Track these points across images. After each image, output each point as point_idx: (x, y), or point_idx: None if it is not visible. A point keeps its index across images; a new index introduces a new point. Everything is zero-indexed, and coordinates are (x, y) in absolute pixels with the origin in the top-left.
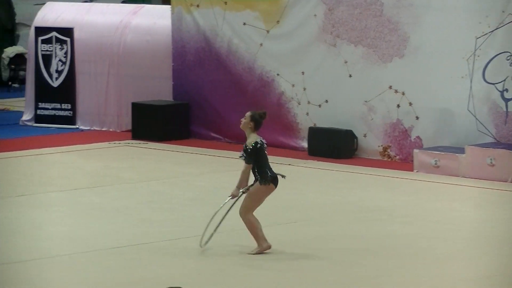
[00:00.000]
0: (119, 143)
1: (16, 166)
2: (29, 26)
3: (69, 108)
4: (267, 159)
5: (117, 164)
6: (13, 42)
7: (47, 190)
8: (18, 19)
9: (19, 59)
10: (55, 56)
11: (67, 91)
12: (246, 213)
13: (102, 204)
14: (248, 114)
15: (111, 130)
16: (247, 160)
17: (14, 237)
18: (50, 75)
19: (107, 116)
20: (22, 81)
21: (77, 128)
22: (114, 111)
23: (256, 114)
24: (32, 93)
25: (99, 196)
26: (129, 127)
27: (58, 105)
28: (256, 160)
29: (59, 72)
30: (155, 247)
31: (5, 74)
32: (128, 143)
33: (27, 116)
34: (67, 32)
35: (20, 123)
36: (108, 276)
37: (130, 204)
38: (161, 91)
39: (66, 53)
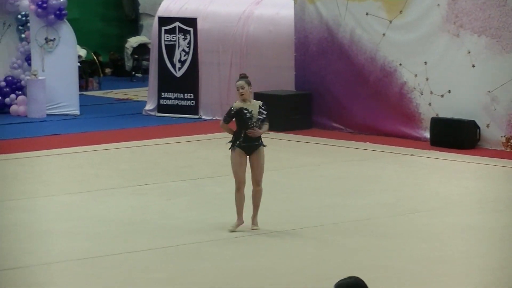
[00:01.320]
0: None
1: (140, 156)
2: (153, 16)
3: (191, 98)
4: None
5: None
6: (136, 32)
7: (171, 179)
8: (141, 9)
9: (142, 49)
10: (178, 46)
11: (190, 81)
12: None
13: (223, 194)
14: (242, 83)
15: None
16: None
17: (142, 226)
18: (173, 65)
19: (229, 106)
20: (145, 71)
21: (200, 118)
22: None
23: (247, 78)
24: (155, 83)
25: (221, 185)
26: None
27: (181, 95)
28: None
29: (182, 62)
30: (275, 235)
31: (129, 64)
32: None
33: (150, 106)
34: (191, 22)
35: (143, 112)
36: (234, 263)
37: (250, 194)
38: (283, 81)
39: (189, 43)
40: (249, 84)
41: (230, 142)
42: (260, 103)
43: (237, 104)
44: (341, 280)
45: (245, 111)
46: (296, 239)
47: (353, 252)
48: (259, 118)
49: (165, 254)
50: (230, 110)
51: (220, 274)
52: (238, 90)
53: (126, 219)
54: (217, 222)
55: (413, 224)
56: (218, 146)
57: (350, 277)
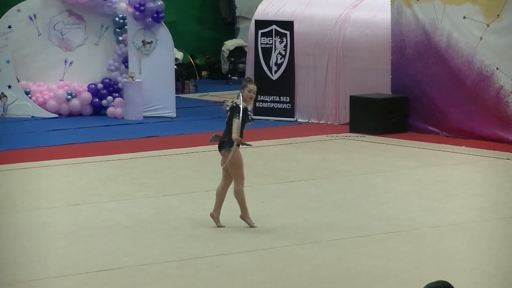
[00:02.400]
0: (337, 136)
1: None
2: (249, 19)
3: (287, 100)
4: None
5: (334, 157)
6: (233, 35)
7: (267, 182)
8: (238, 12)
9: (239, 52)
10: (275, 49)
11: (286, 84)
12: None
13: (319, 196)
14: (254, 88)
15: (329, 123)
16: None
17: (238, 228)
18: (270, 68)
19: (325, 109)
20: (241, 74)
21: (295, 121)
22: (332, 104)
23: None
24: None
25: (317, 188)
26: (347, 120)
27: (276, 98)
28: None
29: (278, 65)
30: (374, 239)
31: (225, 67)
32: (346, 136)
33: None
34: (287, 25)
35: None
36: (329, 266)
37: (347, 197)
38: (379, 84)
39: (285, 46)
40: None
41: (218, 139)
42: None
43: (244, 104)
44: (430, 283)
45: (249, 113)
46: (393, 243)
47: (451, 256)
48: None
49: (260, 256)
50: (238, 107)
51: (315, 277)
52: (250, 93)
53: (221, 221)
54: (312, 225)
55: (510, 229)
56: (314, 149)
57: (438, 282)
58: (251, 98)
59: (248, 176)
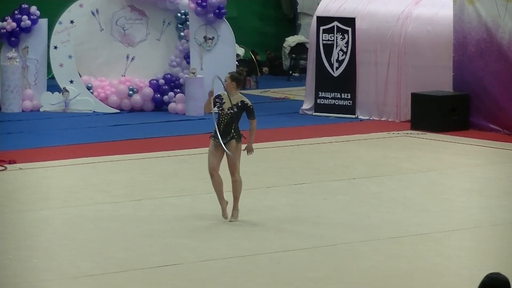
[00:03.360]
0: (398, 133)
1: (297, 154)
2: (311, 15)
3: (348, 97)
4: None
5: (395, 154)
6: (294, 31)
7: (328, 178)
8: (299, 8)
9: (300, 48)
10: (336, 46)
11: (347, 81)
12: (239, 173)
13: (380, 193)
14: (227, 75)
15: (390, 120)
16: (254, 116)
17: (298, 224)
18: (331, 65)
19: (386, 106)
20: (302, 70)
21: (356, 118)
22: (393, 101)
23: (234, 73)
24: (312, 82)
25: (378, 185)
26: (408, 117)
27: (338, 95)
28: (239, 119)
29: (340, 62)
30: (434, 237)
31: (286, 63)
32: (407, 134)
33: (307, 105)
34: (349, 22)
35: (300, 112)
36: (390, 264)
37: (408, 194)
38: (440, 81)
39: (347, 43)
40: (233, 79)
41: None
42: (242, 100)
43: (223, 91)
44: (490, 274)
45: (217, 99)
46: (453, 241)
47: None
48: (229, 113)
49: (320, 253)
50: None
51: (375, 274)
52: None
53: (282, 217)
54: (373, 222)
55: None
56: (374, 146)
57: (499, 274)
58: (227, 86)
59: (309, 172)
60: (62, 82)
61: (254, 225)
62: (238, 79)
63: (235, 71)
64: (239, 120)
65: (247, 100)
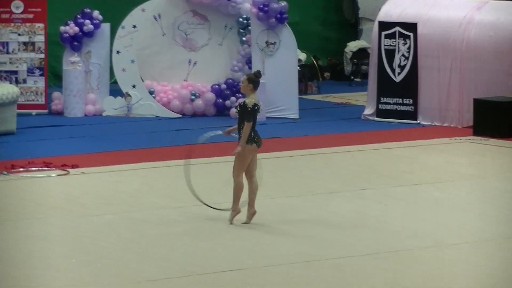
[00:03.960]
0: (460, 139)
1: (360, 160)
2: (372, 20)
3: (410, 103)
4: (256, 122)
5: (458, 159)
6: (356, 36)
7: (391, 184)
8: (361, 13)
9: (362, 53)
10: (398, 51)
11: (409, 86)
12: (239, 175)
13: (443, 199)
14: (244, 77)
15: (452, 126)
16: (247, 119)
17: (361, 230)
18: (393, 70)
19: (448, 111)
20: (364, 76)
21: (418, 123)
22: (456, 106)
23: (251, 75)
24: (374, 87)
25: (441, 191)
26: (471, 123)
27: (400, 100)
28: (244, 119)
29: (402, 67)
30: (495, 243)
31: (348, 69)
32: (469, 139)
33: (369, 111)
34: (411, 27)
35: (362, 117)
36: (452, 269)
37: (471, 200)
38: (503, 87)
39: (409, 48)
40: (248, 79)
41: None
42: (250, 102)
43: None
44: None
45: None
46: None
47: None
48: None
49: (383, 259)
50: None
51: (437, 280)
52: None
53: (345, 223)
54: (436, 228)
55: None
56: (437, 152)
57: None
58: (243, 88)
59: (372, 178)
60: (124, 87)
61: (315, 231)
62: (254, 81)
63: (251, 73)
64: (249, 121)
65: (249, 102)
